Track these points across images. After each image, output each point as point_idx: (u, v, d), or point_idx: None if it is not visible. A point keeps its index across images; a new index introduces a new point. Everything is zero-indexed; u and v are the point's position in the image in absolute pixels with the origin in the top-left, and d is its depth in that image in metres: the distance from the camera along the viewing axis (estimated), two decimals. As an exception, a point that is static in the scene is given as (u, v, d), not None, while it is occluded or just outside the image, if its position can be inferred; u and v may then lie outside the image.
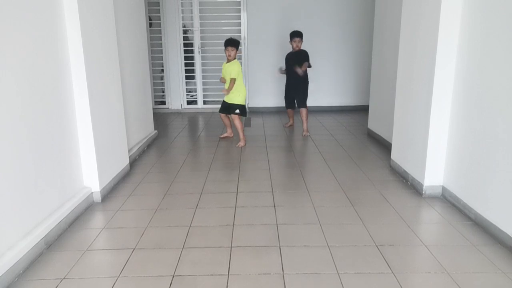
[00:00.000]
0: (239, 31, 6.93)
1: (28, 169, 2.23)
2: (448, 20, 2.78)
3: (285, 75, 5.62)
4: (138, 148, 4.29)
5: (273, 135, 5.29)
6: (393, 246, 2.33)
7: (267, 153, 4.38)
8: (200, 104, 7.28)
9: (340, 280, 1.99)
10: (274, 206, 2.92)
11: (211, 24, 6.92)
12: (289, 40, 5.36)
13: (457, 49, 2.82)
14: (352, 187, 3.30)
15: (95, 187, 3.02)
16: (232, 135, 5.07)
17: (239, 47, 5.03)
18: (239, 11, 6.87)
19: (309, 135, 5.16)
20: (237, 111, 4.74)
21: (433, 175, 3.05)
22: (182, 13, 6.91)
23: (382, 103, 4.71)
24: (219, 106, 4.99)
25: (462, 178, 2.79)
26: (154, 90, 7.14)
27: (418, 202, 3.00)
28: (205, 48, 7.06)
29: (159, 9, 6.86)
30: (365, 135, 5.21)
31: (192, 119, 6.63)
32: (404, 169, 3.48)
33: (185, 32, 7.05)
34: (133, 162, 4.03)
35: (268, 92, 7.14)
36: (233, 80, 4.63)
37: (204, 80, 7.17)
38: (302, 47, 5.32)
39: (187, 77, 7.17)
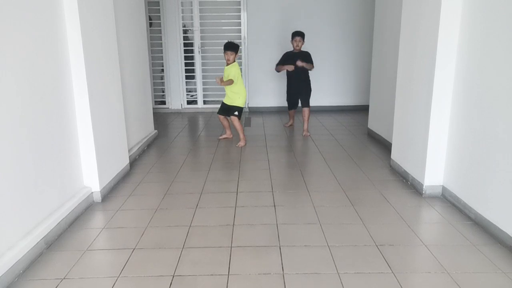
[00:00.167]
0: (239, 31, 6.93)
1: (28, 169, 2.23)
2: (448, 20, 2.78)
3: (284, 76, 5.62)
4: (138, 148, 4.29)
5: (273, 135, 5.29)
6: (393, 246, 2.33)
7: (267, 153, 4.38)
8: (200, 104, 7.28)
9: (340, 280, 1.99)
10: (274, 206, 2.92)
11: (211, 24, 6.92)
12: (290, 39, 5.37)
13: (457, 49, 2.82)
14: (352, 187, 3.30)
15: (95, 187, 3.02)
16: (231, 136, 5.06)
17: (239, 49, 5.02)
18: (239, 11, 6.87)
19: (309, 135, 5.16)
20: (236, 113, 4.74)
21: (433, 175, 3.05)
22: (182, 13, 6.91)
23: (382, 103, 4.71)
24: (219, 106, 4.99)
25: (462, 178, 2.80)
26: (154, 90, 7.14)
27: (418, 202, 3.00)
28: (205, 48, 7.07)
29: (159, 9, 6.86)
30: (365, 135, 5.21)
31: (192, 119, 6.63)
32: (404, 169, 3.48)
33: (185, 32, 7.05)
34: (133, 162, 4.03)
35: (268, 92, 7.14)
36: (230, 81, 4.65)
37: (204, 80, 7.17)
38: (303, 48, 5.32)
39: (187, 77, 7.17)
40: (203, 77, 7.16)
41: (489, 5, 2.47)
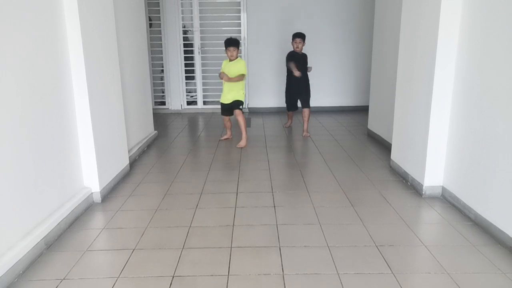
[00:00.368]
0: (239, 31, 6.93)
1: (28, 169, 2.23)
2: (448, 20, 2.78)
3: (284, 76, 5.61)
4: (138, 148, 4.29)
5: (273, 135, 5.29)
6: (393, 246, 2.32)
7: (267, 153, 4.38)
8: (200, 105, 7.28)
9: (340, 280, 1.99)
10: (274, 206, 2.92)
11: (211, 25, 6.93)
12: (289, 40, 5.37)
13: (457, 49, 2.82)
14: (352, 187, 3.30)
15: (95, 187, 3.02)
16: (231, 137, 5.06)
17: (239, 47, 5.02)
18: (239, 11, 6.87)
19: (309, 136, 5.16)
20: (241, 106, 4.71)
21: (433, 175, 3.05)
22: (182, 13, 6.91)
23: (382, 103, 4.71)
24: (219, 106, 4.97)
25: (462, 178, 2.79)
26: (154, 91, 7.14)
27: (418, 202, 2.99)
28: (205, 48, 7.07)
29: (159, 9, 6.86)
30: (365, 135, 5.21)
31: (192, 119, 6.63)
32: (404, 169, 3.48)
33: (185, 32, 7.05)
34: (133, 162, 4.03)
35: (268, 92, 7.14)
36: (242, 76, 4.63)
37: (204, 81, 7.17)
38: (304, 49, 5.31)
39: (187, 78, 7.17)
40: (203, 77, 7.16)
41: (489, 5, 2.47)
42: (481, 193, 2.54)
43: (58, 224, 2.46)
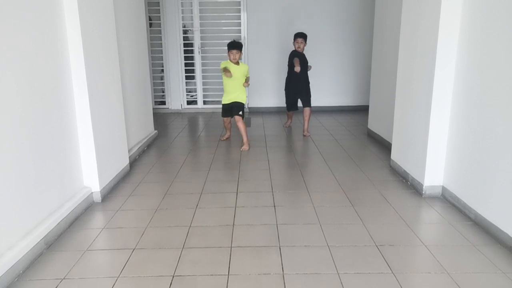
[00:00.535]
0: (239, 31, 6.93)
1: (28, 169, 2.23)
2: (448, 20, 2.78)
3: (284, 76, 5.61)
4: (138, 148, 4.29)
5: (273, 135, 5.29)
6: (393, 246, 2.32)
7: (267, 153, 4.38)
8: (200, 104, 7.28)
9: (340, 280, 1.99)
10: (274, 206, 2.92)
11: (211, 24, 6.92)
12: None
13: (457, 49, 2.82)
14: (352, 187, 3.30)
15: (95, 187, 3.02)
16: (230, 136, 5.05)
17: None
18: (239, 11, 6.87)
19: (309, 136, 5.16)
20: (241, 112, 4.58)
21: (433, 175, 3.05)
22: (182, 13, 6.91)
23: (382, 103, 4.71)
24: (219, 106, 4.95)
25: (462, 178, 2.79)
26: (154, 90, 7.14)
27: (418, 202, 3.00)
28: (205, 48, 7.07)
29: (159, 9, 6.86)
30: (365, 135, 5.21)
31: (192, 119, 6.63)
32: (404, 169, 3.48)
33: (185, 32, 7.05)
34: (133, 162, 4.03)
35: (268, 92, 7.15)
36: (249, 79, 4.67)
37: (204, 80, 7.17)
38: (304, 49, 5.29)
39: (187, 77, 7.17)
40: (203, 77, 7.16)
41: (489, 5, 2.47)
42: (481, 193, 2.55)
43: (58, 224, 2.46)
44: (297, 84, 5.33)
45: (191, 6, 6.85)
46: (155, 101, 7.23)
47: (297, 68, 4.99)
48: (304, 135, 5.18)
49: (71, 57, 2.77)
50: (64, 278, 2.04)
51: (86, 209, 2.90)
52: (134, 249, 2.31)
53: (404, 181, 3.45)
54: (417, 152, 3.20)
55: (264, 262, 2.16)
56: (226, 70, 4.46)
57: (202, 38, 7.00)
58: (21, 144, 2.17)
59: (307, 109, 5.26)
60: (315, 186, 3.35)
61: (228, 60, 4.59)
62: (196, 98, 7.31)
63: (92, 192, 3.01)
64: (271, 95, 7.13)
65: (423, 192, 3.08)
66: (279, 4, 6.84)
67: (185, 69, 7.10)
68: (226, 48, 4.63)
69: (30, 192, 2.25)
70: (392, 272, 2.05)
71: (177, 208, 2.92)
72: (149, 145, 4.73)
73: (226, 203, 2.99)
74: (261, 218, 2.71)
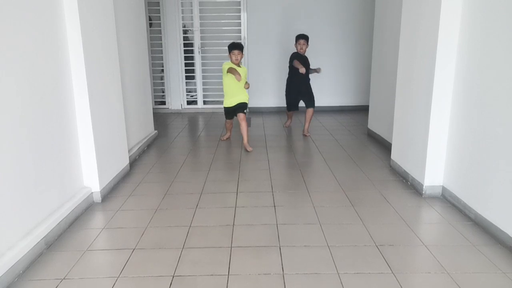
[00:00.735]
0: (239, 31, 6.93)
1: (28, 169, 2.23)
2: (448, 20, 2.78)
3: (284, 76, 5.59)
4: (138, 148, 4.29)
5: (273, 135, 5.29)
6: (393, 246, 2.32)
7: (267, 153, 4.38)
8: (200, 104, 7.28)
9: (340, 280, 1.99)
10: (274, 206, 2.92)
11: (211, 24, 6.92)
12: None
13: (457, 49, 2.82)
14: (352, 187, 3.30)
15: (95, 187, 3.02)
16: (230, 136, 5.05)
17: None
18: (239, 11, 6.87)
19: (309, 136, 5.16)
20: (246, 110, 4.59)
21: (433, 175, 3.05)
22: (182, 13, 6.91)
23: (382, 103, 4.71)
24: (219, 106, 4.95)
25: (462, 178, 2.79)
26: (154, 90, 7.14)
27: (418, 202, 3.00)
28: (205, 48, 7.07)
29: (159, 9, 6.86)
30: (365, 135, 5.21)
31: (192, 119, 6.63)
32: (404, 169, 3.48)
33: (185, 32, 7.05)
34: (133, 162, 4.03)
35: (268, 92, 7.15)
36: (247, 83, 4.59)
37: (204, 80, 7.17)
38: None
39: (187, 77, 7.17)
40: (203, 77, 7.16)
41: (489, 5, 2.47)
42: (481, 193, 2.55)
43: (58, 224, 2.46)
44: (298, 86, 5.29)
45: (191, 6, 6.86)
46: (155, 101, 7.23)
47: (302, 70, 4.93)
48: (304, 135, 5.18)
49: (71, 57, 2.77)
50: (64, 278, 2.04)
51: (86, 209, 2.90)
52: (134, 249, 2.31)
53: (404, 181, 3.45)
54: (417, 152, 3.20)
55: (264, 262, 2.16)
56: (235, 72, 4.27)
57: (202, 38, 7.00)
58: (21, 144, 2.17)
59: (310, 110, 5.23)
60: (315, 186, 3.35)
61: (230, 62, 4.50)
62: (196, 98, 7.31)
63: (92, 192, 3.01)
64: (271, 95, 7.13)
65: (423, 192, 3.08)
66: (279, 4, 6.84)
67: (185, 69, 7.10)
68: (226, 48, 4.61)
69: (30, 192, 2.25)
70: (392, 272, 2.05)
71: (177, 208, 2.92)
72: (149, 145, 4.73)
73: (226, 203, 2.99)
74: (261, 218, 2.71)
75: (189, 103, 7.32)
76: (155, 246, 2.35)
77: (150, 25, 6.90)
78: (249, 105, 7.08)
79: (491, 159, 2.43)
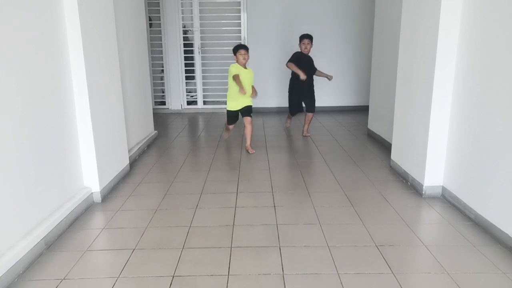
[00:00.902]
0: (239, 31, 6.92)
1: (28, 169, 2.23)
2: (448, 20, 2.78)
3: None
4: (138, 148, 4.29)
5: (273, 135, 5.29)
6: (393, 246, 2.32)
7: (267, 153, 4.38)
8: (200, 105, 7.28)
9: (340, 280, 1.99)
10: (274, 206, 2.92)
11: (211, 24, 6.92)
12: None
13: (457, 49, 2.82)
14: (352, 187, 3.30)
15: (95, 187, 3.02)
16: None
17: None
18: (239, 11, 6.87)
19: (309, 136, 5.16)
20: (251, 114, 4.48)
21: (433, 175, 3.05)
22: (182, 13, 6.91)
23: (382, 103, 4.71)
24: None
25: (462, 178, 2.79)
26: (154, 90, 7.14)
27: (418, 202, 2.99)
28: (205, 48, 7.06)
29: (159, 9, 6.86)
30: (365, 135, 5.21)
31: (192, 119, 6.63)
32: (404, 169, 3.48)
33: (185, 32, 7.05)
34: (133, 162, 4.03)
35: (268, 93, 7.13)
36: (254, 88, 4.46)
37: (204, 81, 7.17)
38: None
39: (187, 77, 7.17)
40: (203, 77, 7.16)
41: (489, 5, 2.47)
42: (481, 193, 2.54)
43: (58, 224, 2.46)
44: (301, 88, 5.18)
45: (191, 6, 6.86)
46: (155, 101, 7.23)
47: (303, 77, 4.89)
48: (304, 135, 5.18)
49: (71, 57, 2.77)
50: (64, 278, 2.04)
51: (86, 209, 2.90)
52: (134, 249, 2.31)
53: (404, 181, 3.45)
54: (417, 152, 3.20)
55: (264, 262, 2.16)
56: (239, 84, 4.14)
57: (202, 38, 6.99)
58: (21, 144, 2.17)
59: (310, 114, 5.19)
60: (315, 186, 3.35)
61: (237, 64, 4.33)
62: (196, 98, 7.31)
63: (92, 192, 3.01)
64: (271, 95, 7.12)
65: (423, 192, 3.08)
66: (279, 4, 6.84)
67: (185, 69, 7.10)
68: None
69: (30, 192, 2.25)
70: (392, 272, 2.05)
71: (177, 208, 2.92)
72: (149, 145, 4.73)
73: (226, 203, 2.99)
74: (261, 218, 2.71)
75: (189, 103, 7.32)
76: (155, 246, 2.35)
77: (150, 25, 6.90)
78: (249, 105, 7.11)
79: (491, 159, 2.43)
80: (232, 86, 4.35)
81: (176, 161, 4.15)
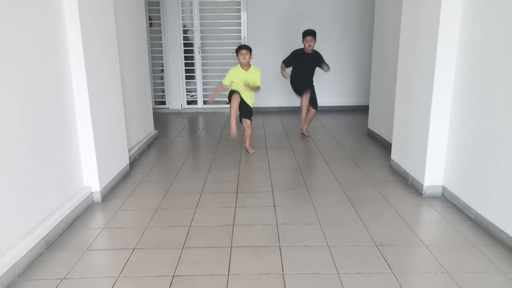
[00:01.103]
0: (239, 31, 6.92)
1: (28, 169, 2.23)
2: (448, 20, 2.78)
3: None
4: (138, 148, 4.29)
5: (273, 135, 5.29)
6: (393, 246, 2.32)
7: (267, 153, 4.38)
8: (200, 104, 7.28)
9: (340, 280, 1.99)
10: (274, 206, 2.92)
11: (211, 24, 6.92)
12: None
13: (457, 49, 2.82)
14: (352, 187, 3.30)
15: (95, 187, 3.02)
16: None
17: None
18: (239, 11, 6.86)
19: (309, 136, 5.16)
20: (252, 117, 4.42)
21: (433, 175, 3.05)
22: (182, 13, 6.91)
23: (382, 103, 4.71)
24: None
25: (462, 178, 2.79)
26: (154, 90, 7.14)
27: (418, 202, 2.99)
28: (205, 48, 7.06)
29: (159, 9, 6.86)
30: (365, 135, 5.21)
31: (192, 119, 6.63)
32: (404, 169, 3.48)
33: (185, 32, 7.05)
34: (133, 162, 4.03)
35: (268, 93, 7.12)
36: (258, 88, 4.33)
37: (204, 80, 7.17)
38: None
39: (187, 77, 7.17)
40: (203, 77, 7.16)
41: (489, 5, 2.47)
42: (481, 193, 2.54)
43: (58, 223, 2.46)
44: (302, 84, 5.15)
45: (191, 6, 6.85)
46: (155, 101, 7.23)
47: (285, 74, 5.03)
48: (305, 135, 5.18)
49: (71, 57, 2.77)
50: (64, 278, 2.04)
51: (86, 209, 2.90)
52: (134, 249, 2.31)
53: (404, 181, 3.45)
54: (417, 152, 3.20)
55: (264, 262, 2.16)
56: (216, 91, 4.21)
57: (202, 38, 6.99)
58: (21, 144, 2.17)
59: (312, 110, 5.16)
60: (315, 186, 3.35)
61: (238, 66, 4.28)
62: (196, 98, 7.31)
63: (92, 192, 3.01)
64: (271, 95, 7.12)
65: (423, 192, 3.08)
66: (279, 4, 6.84)
67: (185, 69, 7.10)
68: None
69: (30, 192, 2.25)
70: (392, 272, 2.05)
71: (177, 208, 2.92)
72: (149, 145, 4.73)
73: (226, 203, 2.99)
74: (261, 218, 2.71)
75: (189, 103, 7.32)
76: (155, 246, 2.35)
77: (150, 25, 6.90)
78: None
79: (491, 159, 2.43)
80: (231, 86, 4.36)
81: (176, 161, 4.15)
